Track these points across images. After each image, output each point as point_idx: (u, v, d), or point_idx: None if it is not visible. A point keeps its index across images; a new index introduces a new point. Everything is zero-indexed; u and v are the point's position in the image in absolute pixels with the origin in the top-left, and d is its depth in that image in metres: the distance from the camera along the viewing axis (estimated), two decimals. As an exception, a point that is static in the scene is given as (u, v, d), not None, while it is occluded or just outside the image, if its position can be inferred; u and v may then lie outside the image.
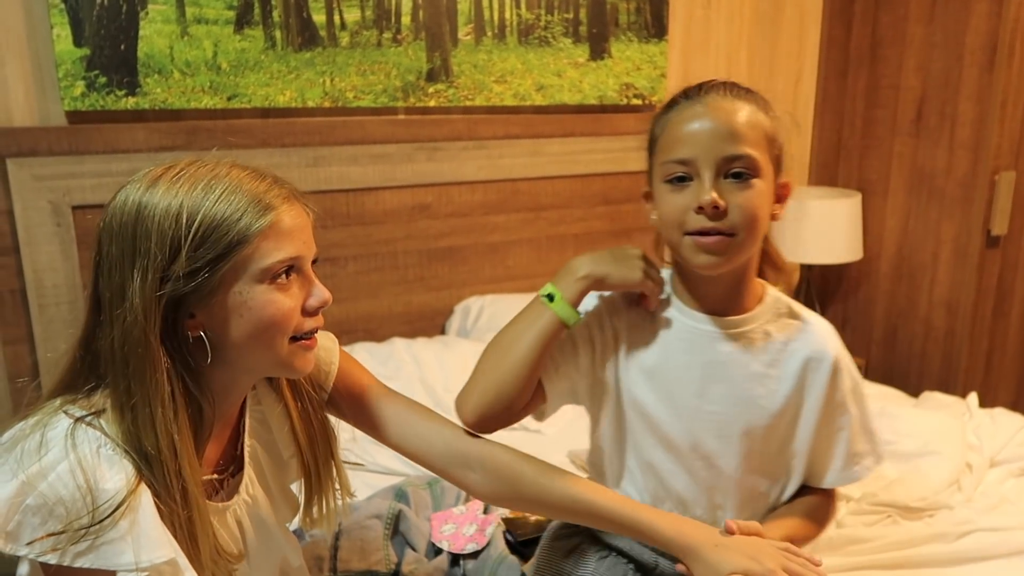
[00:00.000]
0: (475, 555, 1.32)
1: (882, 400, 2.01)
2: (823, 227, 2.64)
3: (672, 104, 1.00)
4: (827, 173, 2.93)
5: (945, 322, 2.61)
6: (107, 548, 0.77)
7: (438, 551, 1.34)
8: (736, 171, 0.94)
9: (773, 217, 1.01)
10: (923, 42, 2.54)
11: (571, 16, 2.36)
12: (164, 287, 0.80)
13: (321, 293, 0.89)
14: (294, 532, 1.20)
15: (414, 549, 1.33)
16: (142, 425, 0.80)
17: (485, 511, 1.41)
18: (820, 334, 1.05)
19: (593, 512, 0.98)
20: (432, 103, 2.20)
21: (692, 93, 0.99)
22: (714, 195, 0.93)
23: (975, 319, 2.55)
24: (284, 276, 0.85)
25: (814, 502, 1.09)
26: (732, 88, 0.99)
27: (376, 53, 2.10)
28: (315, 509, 1.04)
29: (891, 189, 2.72)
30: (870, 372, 2.84)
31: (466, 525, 1.38)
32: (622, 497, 1.00)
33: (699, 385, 1.02)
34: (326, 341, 1.04)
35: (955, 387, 2.56)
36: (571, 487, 0.98)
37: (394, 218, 2.24)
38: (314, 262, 0.91)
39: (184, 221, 0.80)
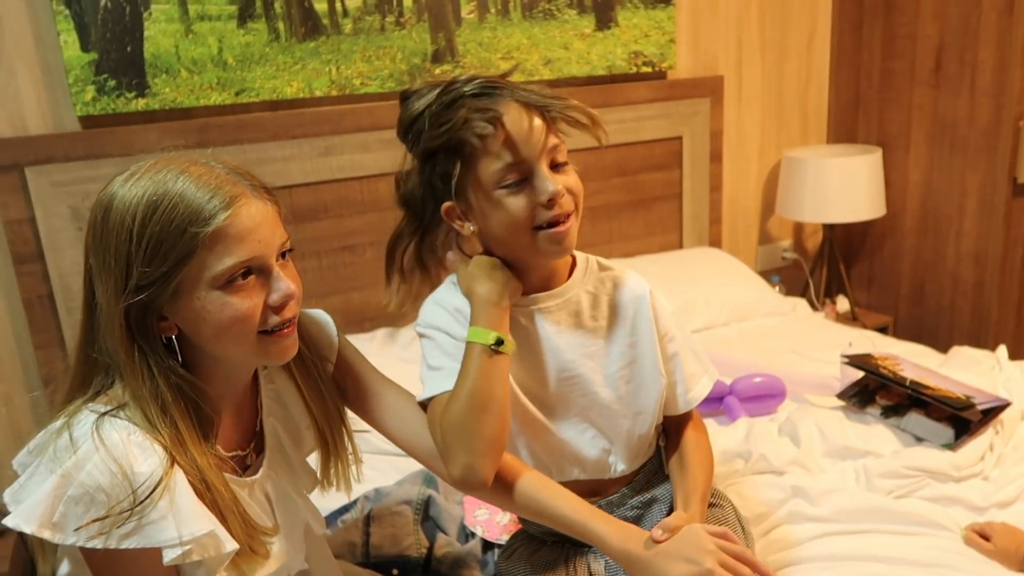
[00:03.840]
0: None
1: (912, 358, 1.99)
2: (844, 185, 2.60)
3: (473, 112, 1.00)
4: (846, 129, 2.88)
5: (974, 274, 2.57)
6: (150, 528, 0.81)
7: (469, 535, 1.36)
8: (556, 159, 1.01)
9: None
10: (939, -12, 2.47)
11: (575, -14, 2.32)
12: (125, 298, 0.84)
13: (283, 288, 0.90)
14: (326, 520, 1.23)
15: (445, 533, 1.35)
16: (147, 418, 0.85)
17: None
18: (631, 277, 1.14)
19: (552, 515, 1.02)
20: (440, 84, 2.19)
21: (486, 105, 0.99)
22: (560, 185, 0.99)
23: (1004, 270, 2.50)
24: (241, 278, 0.87)
25: (687, 445, 1.16)
26: (514, 88, 1.04)
27: (380, 38, 2.09)
28: (332, 472, 1.10)
29: (912, 142, 2.66)
30: (899, 329, 2.80)
31: (500, 513, 1.39)
32: (580, 503, 1.04)
33: (550, 359, 1.08)
34: (323, 316, 1.09)
35: (986, 340, 2.52)
36: (537, 489, 1.03)
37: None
38: (288, 252, 0.93)
39: (133, 238, 0.84)
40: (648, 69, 2.49)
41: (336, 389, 1.07)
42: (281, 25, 1.99)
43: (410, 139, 1.05)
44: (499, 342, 0.99)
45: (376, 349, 2.02)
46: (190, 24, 1.90)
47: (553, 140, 1.01)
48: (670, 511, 1.13)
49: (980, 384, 1.71)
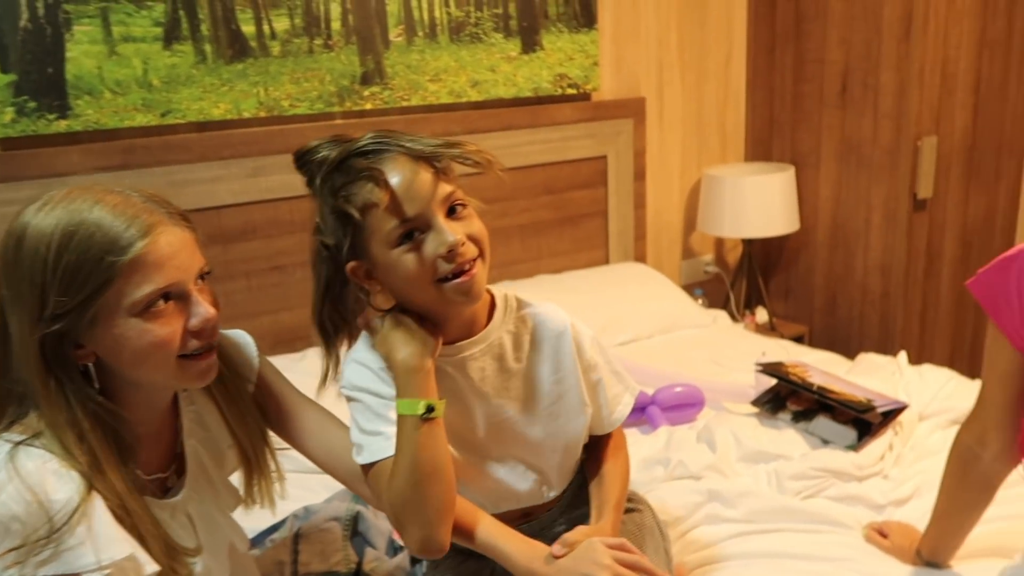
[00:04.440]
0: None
1: (822, 366, 2.10)
2: (759, 201, 2.73)
3: (360, 174, 0.96)
4: (762, 148, 3.02)
5: (880, 285, 2.72)
6: (68, 554, 0.82)
7: (398, 548, 1.39)
8: (453, 206, 0.98)
9: None
10: (843, 15, 2.63)
11: (501, 11, 2.39)
12: (40, 327, 0.85)
13: (202, 312, 0.92)
14: (252, 541, 1.24)
15: (374, 548, 1.37)
16: (64, 446, 0.85)
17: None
18: (551, 312, 1.14)
19: (468, 534, 1.04)
20: (368, 106, 2.23)
21: (373, 158, 0.97)
22: (459, 235, 0.96)
23: (907, 280, 2.66)
24: (161, 303, 0.88)
25: (605, 465, 1.19)
26: (400, 146, 1.00)
27: (308, 60, 2.12)
28: (255, 490, 1.11)
29: (822, 160, 2.81)
30: (814, 338, 2.94)
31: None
32: (492, 522, 1.06)
33: (478, 404, 1.09)
34: (243, 337, 1.11)
35: (893, 347, 2.67)
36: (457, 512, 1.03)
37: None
38: (206, 275, 0.95)
39: (48, 267, 0.84)
40: (573, 91, 2.57)
41: (257, 409, 1.09)
42: (208, 47, 1.99)
43: (313, 195, 1.02)
44: (430, 409, 0.97)
45: (306, 368, 2.03)
46: (114, 45, 1.89)
47: (446, 188, 0.97)
48: None
49: (882, 388, 1.82)
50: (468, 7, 2.33)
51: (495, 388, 1.09)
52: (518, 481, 1.14)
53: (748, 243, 2.93)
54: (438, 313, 1.03)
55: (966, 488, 1.25)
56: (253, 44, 2.05)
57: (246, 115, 2.07)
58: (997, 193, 2.82)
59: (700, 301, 2.89)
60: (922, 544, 1.34)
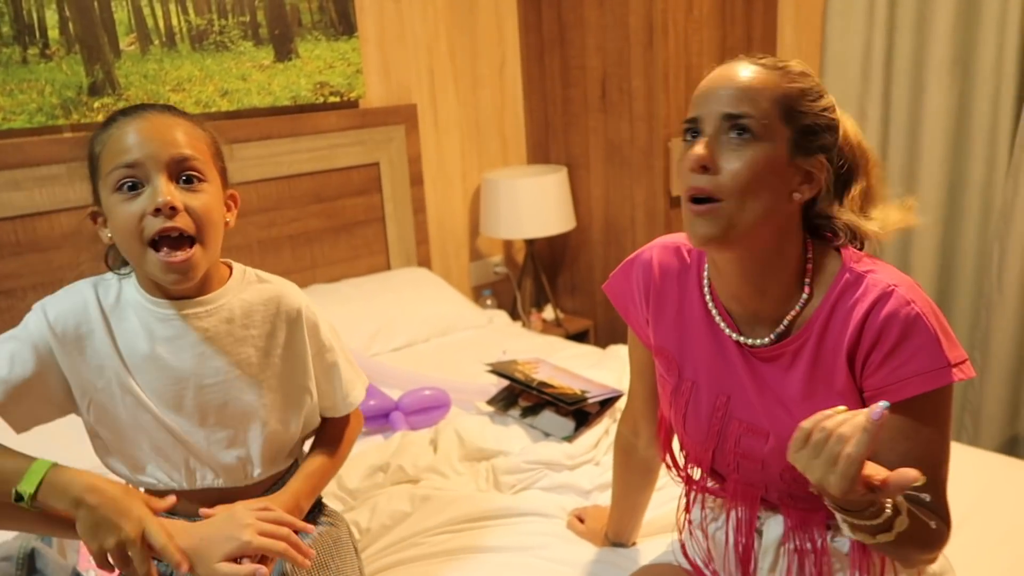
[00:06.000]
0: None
1: (573, 360, 2.19)
2: (535, 202, 2.81)
3: (110, 121, 1.03)
4: (541, 151, 3.12)
5: (648, 279, 2.86)
6: None
7: (80, 580, 1.33)
8: (186, 176, 1.00)
9: (227, 225, 1.09)
10: (598, 24, 2.75)
11: (248, 19, 2.34)
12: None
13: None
14: None
15: (53, 583, 1.31)
16: None
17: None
18: (288, 292, 1.16)
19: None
20: (101, 118, 2.12)
21: (130, 111, 1.04)
22: (169, 196, 0.97)
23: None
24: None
25: (325, 440, 1.23)
26: (170, 107, 1.07)
27: (23, 70, 2.00)
28: None
29: (592, 161, 2.94)
30: (599, 332, 3.07)
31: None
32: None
33: (193, 363, 1.08)
34: None
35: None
36: None
37: (76, 241, 2.15)
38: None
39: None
40: (336, 99, 2.56)
41: None
42: None
43: None
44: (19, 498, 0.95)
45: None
46: None
47: (181, 151, 0.99)
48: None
49: (610, 379, 1.92)
50: (210, 15, 2.27)
51: (215, 350, 1.08)
52: (220, 452, 1.11)
53: (530, 243, 3.01)
54: (149, 276, 1.04)
55: (631, 472, 1.34)
56: (-49, 54, 1.91)
57: (-51, 130, 1.93)
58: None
59: (490, 302, 2.95)
60: (608, 527, 1.42)
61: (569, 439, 1.72)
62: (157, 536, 0.96)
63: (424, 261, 2.88)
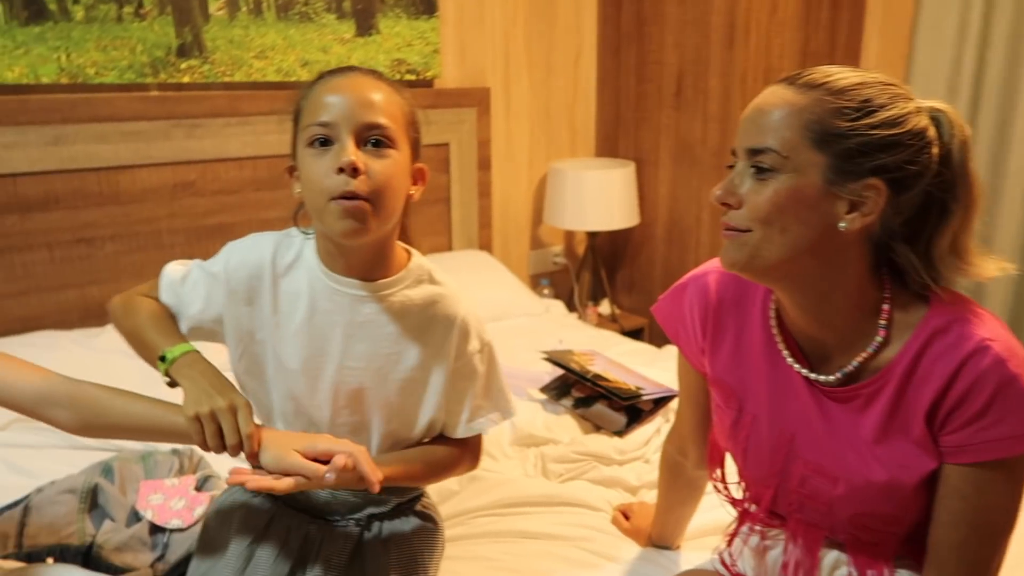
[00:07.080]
0: (180, 531, 1.36)
1: (629, 356, 2.18)
2: (600, 196, 2.80)
3: (318, 79, 1.06)
4: (610, 144, 3.10)
5: (708, 281, 2.83)
6: None
7: (139, 518, 1.37)
8: (374, 139, 1.01)
9: (410, 197, 1.09)
10: (678, 20, 2.72)
11: (334, -8, 2.38)
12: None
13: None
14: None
15: (113, 520, 1.36)
16: None
17: (198, 488, 1.45)
18: (453, 299, 1.14)
19: (155, 427, 1.05)
20: (186, 79, 2.18)
21: (336, 72, 1.06)
22: (353, 157, 0.98)
23: (731, 278, 2.78)
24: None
25: (436, 450, 1.20)
26: (375, 72, 1.08)
27: (117, 28, 2.06)
28: None
29: (660, 159, 2.91)
30: (653, 331, 3.04)
31: (175, 499, 1.41)
32: (171, 407, 1.05)
33: (342, 343, 1.10)
34: None
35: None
36: (135, 405, 1.06)
37: (154, 196, 2.22)
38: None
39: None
40: (412, 77, 2.58)
41: None
42: (0, 7, 1.92)
43: None
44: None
45: (102, 345, 1.98)
46: None
47: (376, 118, 1.00)
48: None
49: (665, 378, 1.90)
50: (298, -15, 2.31)
51: (366, 336, 1.10)
52: (341, 435, 1.09)
53: (592, 236, 3.00)
54: (330, 240, 1.06)
55: (677, 490, 1.33)
56: (52, 7, 1.97)
57: (45, 80, 2.00)
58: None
59: (547, 291, 2.95)
60: (652, 529, 1.41)
61: (620, 434, 1.71)
62: (244, 420, 1.01)
63: (486, 245, 2.90)
